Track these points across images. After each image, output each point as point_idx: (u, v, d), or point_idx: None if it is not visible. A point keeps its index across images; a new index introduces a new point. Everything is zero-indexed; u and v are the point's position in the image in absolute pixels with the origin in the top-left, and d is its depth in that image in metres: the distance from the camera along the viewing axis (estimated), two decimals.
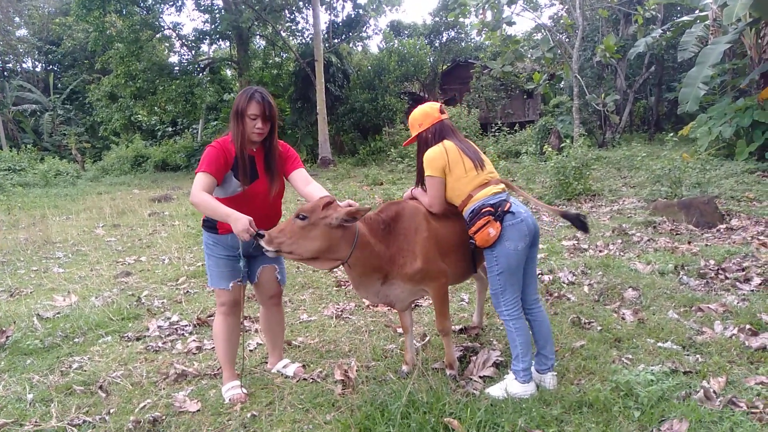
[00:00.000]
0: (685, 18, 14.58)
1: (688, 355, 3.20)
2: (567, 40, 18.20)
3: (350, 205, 2.73)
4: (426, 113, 3.06)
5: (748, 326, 3.44)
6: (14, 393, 3.29)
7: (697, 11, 14.23)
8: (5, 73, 36.32)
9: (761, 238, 5.75)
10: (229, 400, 3.04)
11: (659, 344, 3.34)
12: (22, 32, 36.36)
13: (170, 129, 32.71)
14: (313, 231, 2.67)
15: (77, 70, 34.54)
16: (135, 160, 25.88)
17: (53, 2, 35.92)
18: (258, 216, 2.96)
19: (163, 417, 2.88)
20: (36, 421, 2.90)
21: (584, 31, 16.62)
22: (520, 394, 2.81)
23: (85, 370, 3.57)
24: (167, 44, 25.12)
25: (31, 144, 29.64)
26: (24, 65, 39.28)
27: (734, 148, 11.77)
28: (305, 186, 3.06)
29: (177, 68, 23.29)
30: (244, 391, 3.08)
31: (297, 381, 3.24)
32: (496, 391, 2.88)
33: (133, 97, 21.30)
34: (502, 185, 2.97)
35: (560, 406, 2.69)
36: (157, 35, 22.98)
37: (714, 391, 2.71)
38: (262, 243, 2.65)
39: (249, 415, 2.86)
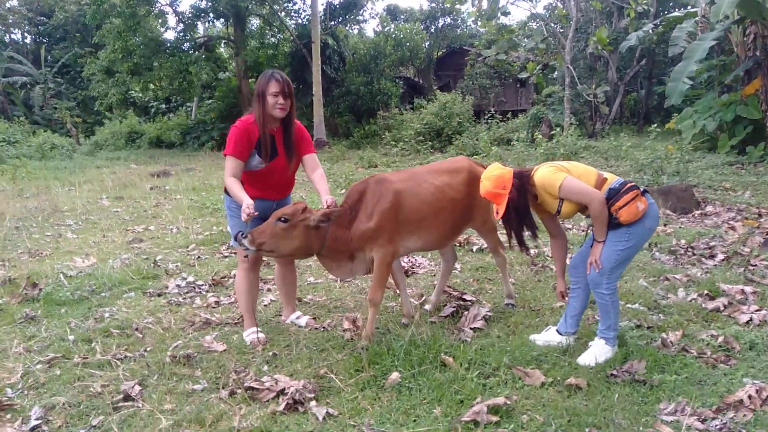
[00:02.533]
0: (676, 13, 15.00)
1: (652, 314, 3.67)
2: (561, 30, 18.56)
3: (328, 204, 3.17)
4: (500, 176, 3.00)
5: (706, 292, 3.93)
6: (56, 335, 3.69)
7: (689, 7, 14.66)
8: None
9: (731, 222, 6.25)
10: (251, 342, 3.45)
11: (628, 306, 3.81)
12: (13, 3, 35.90)
13: (164, 106, 32.69)
14: (293, 232, 3.10)
15: (69, 43, 34.21)
16: (129, 136, 25.95)
17: None
18: (274, 186, 3.47)
19: (195, 354, 3.29)
20: (83, 356, 3.31)
21: (578, 23, 17.01)
22: (611, 356, 3.01)
23: (117, 318, 3.97)
24: (161, 20, 25.06)
25: (22, 117, 29.53)
26: (14, 36, 38.94)
27: (717, 141, 12.28)
28: (313, 171, 3.50)
29: (173, 45, 23.32)
30: (264, 335, 3.50)
31: (309, 330, 3.67)
32: (586, 358, 3.00)
33: (129, 73, 21.36)
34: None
35: (540, 350, 3.15)
36: (154, 11, 22.95)
37: (670, 341, 3.18)
38: (245, 243, 3.05)
39: (270, 353, 3.29)
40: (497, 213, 3.06)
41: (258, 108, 3.26)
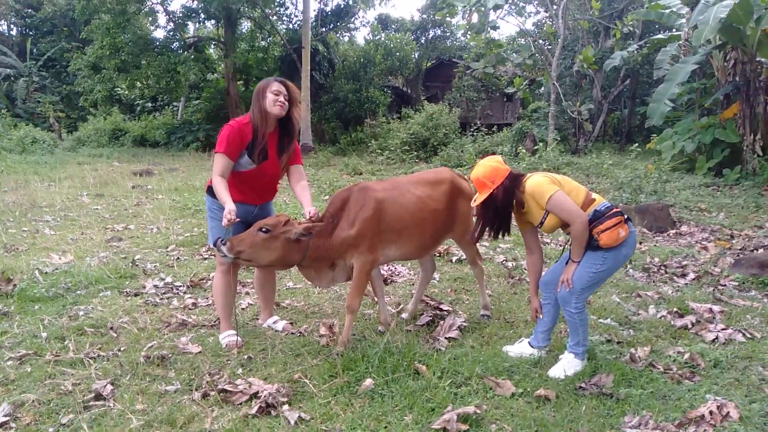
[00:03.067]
0: (660, 36, 15.34)
1: (623, 330, 3.76)
2: (548, 47, 18.87)
3: (311, 215, 3.21)
4: (496, 169, 3.04)
5: (676, 310, 4.03)
6: (28, 332, 3.65)
7: (673, 30, 15.00)
8: None
9: (704, 243, 6.40)
10: (226, 345, 3.46)
11: (600, 320, 3.89)
12: None
13: (150, 105, 32.44)
14: (274, 243, 3.11)
15: (56, 37, 33.81)
16: (113, 133, 25.67)
17: None
18: (258, 190, 3.48)
19: (169, 355, 3.29)
20: (55, 353, 3.28)
21: (565, 41, 17.30)
22: (579, 369, 3.08)
23: (92, 317, 3.94)
24: (151, 18, 24.92)
25: (4, 109, 29.05)
26: None
27: (695, 162, 12.56)
28: (297, 182, 3.54)
29: (162, 44, 23.19)
30: (240, 339, 3.50)
31: (285, 335, 3.68)
32: (556, 371, 3.08)
33: (116, 70, 21.18)
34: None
35: (512, 361, 3.20)
36: (144, 8, 22.82)
37: (639, 356, 3.26)
38: (224, 249, 3.06)
39: (245, 357, 3.30)
40: (475, 200, 3.10)
41: (256, 106, 3.29)
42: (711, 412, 2.61)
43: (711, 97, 13.51)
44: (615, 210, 2.94)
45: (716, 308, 4.05)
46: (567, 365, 3.09)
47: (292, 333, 3.71)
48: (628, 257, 3.06)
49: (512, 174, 3.06)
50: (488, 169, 3.04)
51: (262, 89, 3.29)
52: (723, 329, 3.68)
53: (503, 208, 3.07)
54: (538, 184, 2.96)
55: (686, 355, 3.27)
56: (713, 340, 3.54)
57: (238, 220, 3.09)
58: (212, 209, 3.47)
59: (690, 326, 3.77)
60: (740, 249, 6.04)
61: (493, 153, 15.97)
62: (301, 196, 3.46)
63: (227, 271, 3.52)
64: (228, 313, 3.59)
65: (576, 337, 3.12)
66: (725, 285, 4.74)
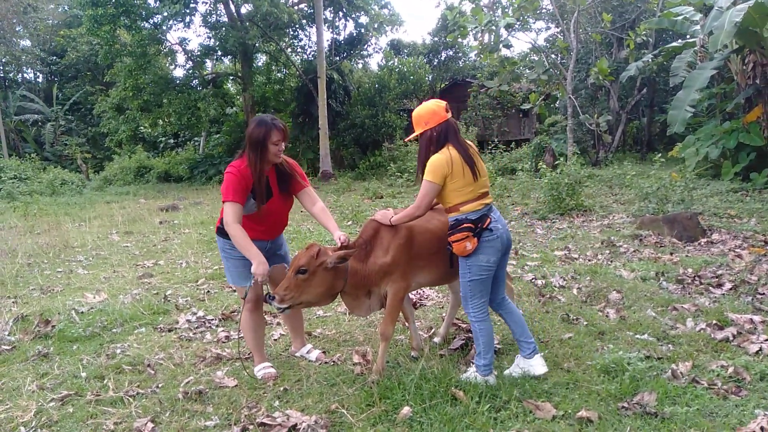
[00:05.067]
0: (675, 44, 15.26)
1: (661, 345, 3.68)
2: (562, 62, 18.90)
3: (342, 242, 3.22)
4: (433, 111, 3.12)
5: (715, 322, 3.93)
6: (69, 372, 3.72)
7: (687, 37, 14.92)
8: (7, 83, 36.93)
9: (737, 250, 6.25)
10: (262, 377, 3.47)
11: (637, 336, 3.81)
12: (26, 43, 36.98)
13: (172, 141, 33.28)
14: (314, 279, 3.13)
15: (80, 81, 35.12)
16: (138, 170, 26.31)
17: (57, 14, 36.59)
18: (269, 226, 3.47)
19: (207, 390, 3.32)
20: (96, 393, 3.34)
21: (578, 54, 17.32)
22: (492, 383, 3.13)
23: (129, 354, 4.00)
24: (170, 58, 25.72)
25: (33, 153, 30.07)
26: (26, 75, 40.01)
27: (720, 168, 12.35)
28: (313, 205, 3.51)
29: (182, 82, 23.88)
30: (274, 370, 3.51)
31: (319, 364, 3.69)
32: (463, 378, 3.19)
33: (139, 110, 21.83)
34: (489, 200, 3.18)
35: (550, 383, 3.16)
36: (164, 49, 23.59)
37: (680, 372, 3.19)
38: (275, 304, 3.09)
39: (281, 389, 3.31)
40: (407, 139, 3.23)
41: (255, 157, 3.21)
42: (762, 428, 2.54)
43: (732, 101, 13.34)
44: (466, 225, 3.04)
45: (757, 318, 3.94)
46: (470, 378, 3.17)
47: (326, 362, 3.71)
48: (494, 261, 3.11)
49: (447, 127, 3.11)
50: (427, 110, 3.14)
51: (262, 140, 3.19)
52: (766, 340, 3.57)
53: (431, 152, 3.13)
54: (431, 163, 3.07)
55: (730, 369, 3.18)
56: (757, 352, 3.45)
57: (268, 293, 3.12)
58: (225, 250, 3.45)
59: (731, 338, 3.67)
60: None
61: (513, 170, 15.94)
62: (323, 220, 3.46)
63: (254, 309, 3.51)
64: (260, 347, 3.61)
65: (477, 347, 3.18)
66: (764, 294, 4.61)
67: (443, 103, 3.19)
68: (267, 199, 3.34)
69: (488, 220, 3.08)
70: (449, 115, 3.17)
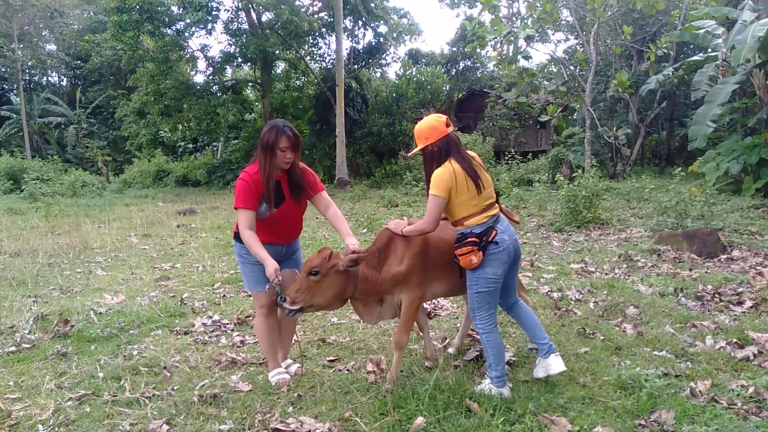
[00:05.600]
0: (696, 57, 15.12)
1: (680, 362, 3.62)
2: (581, 74, 18.82)
3: (353, 250, 3.21)
4: (433, 127, 3.13)
5: (735, 340, 3.86)
6: (86, 372, 3.78)
7: (709, 50, 14.77)
8: (32, 86, 37.82)
9: (758, 268, 6.14)
10: (276, 383, 3.48)
11: (655, 353, 3.76)
12: (51, 47, 37.82)
13: (191, 146, 33.74)
14: (326, 282, 3.14)
15: (103, 85, 35.83)
16: (157, 174, 26.72)
17: (83, 20, 37.40)
18: (282, 230, 3.48)
19: (221, 394, 3.34)
20: (113, 393, 3.38)
21: (597, 66, 17.22)
22: (506, 395, 3.10)
23: (145, 356, 4.05)
24: (191, 64, 26.11)
25: (55, 155, 30.66)
26: (51, 79, 40.94)
27: (741, 184, 12.16)
28: (326, 209, 3.53)
29: (202, 88, 24.23)
30: (289, 376, 3.52)
31: (333, 371, 3.68)
32: (478, 390, 3.16)
33: (160, 114, 22.18)
34: (495, 210, 3.17)
35: (566, 397, 3.12)
36: (185, 56, 23.97)
37: (699, 391, 3.14)
38: (286, 305, 3.10)
39: (295, 395, 3.32)
40: (409, 151, 3.22)
41: (264, 160, 3.24)
42: None
43: (754, 116, 13.16)
44: (470, 239, 3.05)
45: None
46: (485, 390, 3.15)
47: (340, 370, 3.72)
48: (501, 273, 3.11)
49: (447, 141, 3.12)
50: (427, 126, 3.16)
51: (272, 144, 3.21)
52: None
53: (434, 166, 3.14)
54: (435, 177, 3.07)
55: (751, 389, 3.12)
56: None
57: (279, 295, 3.14)
58: (242, 255, 3.47)
59: (752, 357, 3.60)
60: None
61: (530, 181, 15.87)
62: (336, 224, 3.47)
63: (268, 314, 3.52)
64: (274, 353, 3.60)
65: (488, 358, 3.17)
66: None
67: (443, 118, 3.20)
68: (279, 204, 3.36)
69: (494, 232, 3.07)
70: (450, 129, 3.17)
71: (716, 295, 5.08)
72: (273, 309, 3.54)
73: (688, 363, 3.60)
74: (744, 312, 4.62)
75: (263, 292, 3.45)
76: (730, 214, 9.66)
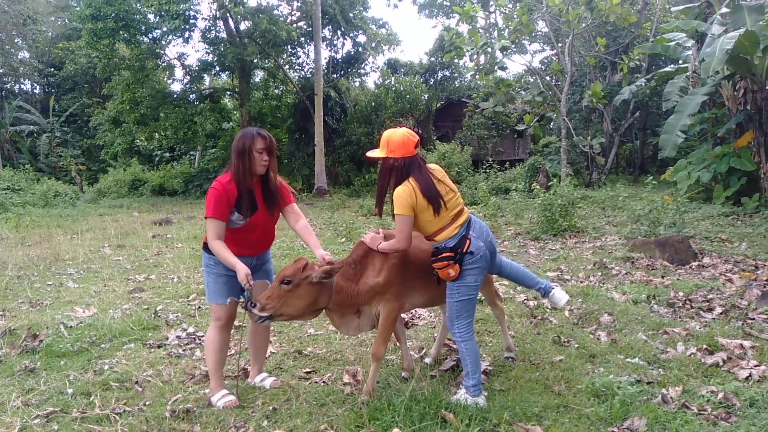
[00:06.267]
0: (667, 68, 15.50)
1: (652, 369, 3.68)
2: (557, 84, 19.15)
3: (328, 261, 3.20)
4: (403, 143, 3.09)
5: (705, 347, 3.94)
6: (55, 388, 3.67)
7: (680, 62, 15.14)
8: (3, 93, 36.98)
9: (728, 275, 6.29)
10: (223, 407, 3.30)
11: (628, 360, 3.81)
12: (24, 54, 37.09)
13: (167, 154, 33.32)
14: (298, 291, 3.10)
15: (77, 93, 35.21)
16: (132, 183, 26.31)
17: (57, 27, 36.80)
18: (254, 241, 3.44)
19: (195, 408, 3.28)
20: (82, 410, 3.29)
21: (572, 77, 17.55)
22: (482, 404, 3.11)
23: (117, 371, 3.96)
24: (168, 72, 25.88)
25: (27, 164, 29.97)
26: (23, 87, 40.08)
27: (712, 192, 12.47)
28: (296, 222, 3.50)
29: (179, 96, 24.01)
30: (234, 397, 3.39)
31: (308, 383, 3.65)
32: (454, 400, 3.16)
33: (136, 123, 21.90)
34: (464, 217, 3.17)
35: (541, 406, 3.14)
36: (162, 64, 23.75)
37: (671, 397, 3.18)
38: (255, 311, 3.05)
39: (270, 408, 3.28)
40: (370, 153, 3.22)
41: (240, 164, 3.20)
42: None
43: (723, 126, 13.51)
44: (445, 254, 3.07)
45: (747, 343, 3.95)
46: (460, 398, 3.15)
47: (315, 382, 3.68)
48: (479, 280, 3.17)
49: (411, 163, 3.09)
50: (397, 139, 3.11)
51: (248, 148, 3.19)
52: (756, 366, 3.58)
53: (388, 180, 3.15)
54: (396, 197, 3.06)
55: (720, 395, 3.18)
56: (747, 378, 3.45)
57: (250, 300, 3.08)
58: (209, 265, 3.40)
59: (721, 363, 3.68)
60: (766, 280, 5.92)
61: (507, 190, 16.04)
62: (305, 237, 3.43)
63: (223, 328, 3.42)
64: (220, 372, 3.47)
65: (465, 367, 3.19)
66: (754, 318, 4.63)
67: (416, 138, 3.16)
68: (252, 213, 3.33)
69: (467, 242, 3.08)
70: (417, 151, 3.16)
71: (687, 302, 5.18)
72: (229, 323, 3.46)
73: (660, 370, 3.65)
74: (714, 318, 4.72)
75: (223, 305, 3.37)
76: (701, 221, 9.89)
